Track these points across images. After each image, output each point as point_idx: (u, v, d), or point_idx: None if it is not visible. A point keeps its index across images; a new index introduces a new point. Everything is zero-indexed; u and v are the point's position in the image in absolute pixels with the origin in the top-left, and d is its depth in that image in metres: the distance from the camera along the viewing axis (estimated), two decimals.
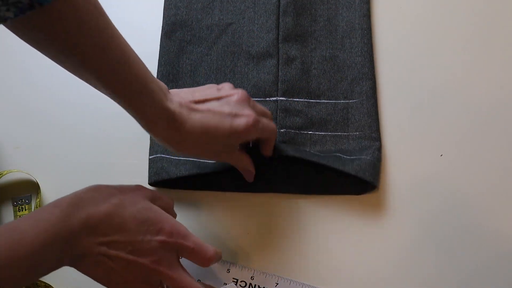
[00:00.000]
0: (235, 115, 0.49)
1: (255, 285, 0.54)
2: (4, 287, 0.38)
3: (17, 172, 0.59)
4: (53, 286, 0.54)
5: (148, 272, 0.45)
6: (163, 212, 0.47)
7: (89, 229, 0.42)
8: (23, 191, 0.58)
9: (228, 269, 0.55)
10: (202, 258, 0.47)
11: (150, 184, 0.57)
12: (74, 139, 0.61)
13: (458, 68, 0.63)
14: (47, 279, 0.55)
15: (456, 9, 0.66)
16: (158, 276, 0.45)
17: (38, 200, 0.57)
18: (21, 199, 0.57)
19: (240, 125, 0.49)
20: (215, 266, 0.55)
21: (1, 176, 0.58)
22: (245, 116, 0.49)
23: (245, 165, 0.54)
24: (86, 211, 0.42)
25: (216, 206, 0.57)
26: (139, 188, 0.48)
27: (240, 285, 0.54)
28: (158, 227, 0.45)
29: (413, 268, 0.54)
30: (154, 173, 0.57)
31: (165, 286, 0.46)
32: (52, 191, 0.58)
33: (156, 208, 0.46)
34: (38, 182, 0.58)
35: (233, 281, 0.54)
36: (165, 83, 0.51)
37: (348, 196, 0.57)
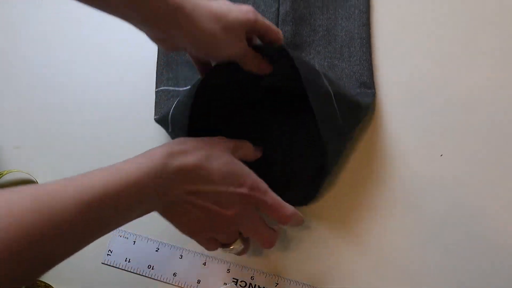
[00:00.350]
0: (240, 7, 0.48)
1: (255, 285, 0.54)
2: (106, 222, 0.41)
3: (17, 172, 0.59)
4: (53, 286, 0.54)
5: (229, 223, 0.47)
6: (245, 167, 0.48)
7: (182, 177, 0.44)
8: None
9: (228, 269, 0.55)
10: (281, 215, 0.49)
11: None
12: (74, 139, 0.61)
13: (458, 69, 0.63)
14: (47, 279, 0.55)
15: (455, 15, 0.66)
16: (238, 226, 0.48)
17: None
18: None
19: (248, 10, 0.48)
20: (215, 266, 0.55)
21: (1, 176, 0.58)
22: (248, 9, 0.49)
23: (255, 64, 0.52)
24: (178, 161, 0.44)
25: None
26: (222, 140, 0.49)
27: (240, 285, 0.54)
28: (241, 180, 0.47)
29: (413, 268, 0.54)
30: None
31: (243, 236, 0.49)
32: None
33: (238, 162, 0.48)
34: (38, 182, 0.58)
35: (233, 281, 0.54)
36: None
37: (348, 196, 0.57)
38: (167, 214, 0.47)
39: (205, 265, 0.55)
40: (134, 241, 0.56)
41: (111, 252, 0.56)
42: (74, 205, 0.38)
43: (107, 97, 0.63)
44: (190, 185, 0.45)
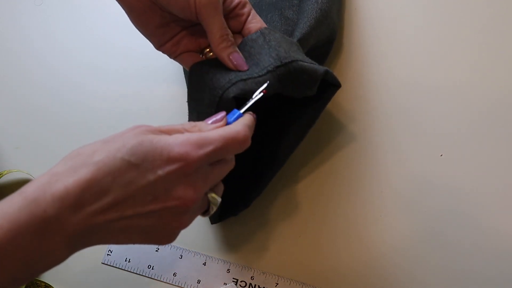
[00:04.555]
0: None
1: (255, 285, 0.54)
2: None
3: (17, 172, 0.59)
4: (53, 286, 0.54)
5: (186, 204, 0.37)
6: (162, 136, 0.36)
7: (74, 204, 0.33)
8: None
9: (228, 269, 0.55)
10: (238, 146, 0.39)
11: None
12: (74, 139, 0.61)
13: (458, 68, 0.63)
14: (46, 279, 0.55)
15: (455, 10, 0.66)
16: (199, 194, 0.37)
17: None
18: None
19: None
20: (215, 266, 0.55)
21: (1, 176, 0.58)
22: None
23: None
24: (56, 186, 0.33)
25: None
26: (132, 128, 0.37)
27: (240, 285, 0.54)
28: (164, 157, 0.35)
29: (413, 268, 0.54)
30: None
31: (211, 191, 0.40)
32: None
33: (149, 138, 0.36)
34: None
35: (233, 281, 0.54)
36: None
37: (348, 196, 0.57)
38: (100, 241, 0.36)
39: (205, 265, 0.55)
40: None
41: (111, 252, 0.56)
42: None
43: (108, 97, 0.63)
44: (98, 203, 0.33)
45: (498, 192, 0.57)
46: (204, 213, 0.41)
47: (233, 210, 0.55)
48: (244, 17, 0.48)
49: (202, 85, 0.48)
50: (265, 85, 0.44)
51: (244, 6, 0.47)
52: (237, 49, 0.46)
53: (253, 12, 0.48)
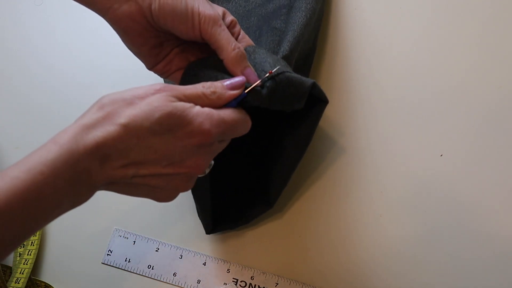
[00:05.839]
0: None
1: (255, 285, 0.54)
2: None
3: None
4: (53, 286, 0.54)
5: (194, 172, 0.41)
6: (187, 108, 0.39)
7: (103, 155, 0.36)
8: None
9: (228, 269, 0.55)
10: (243, 130, 0.43)
11: None
12: None
13: (458, 68, 0.63)
14: (47, 279, 0.55)
15: (454, 10, 0.66)
16: (206, 162, 0.42)
17: None
18: None
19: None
20: (215, 266, 0.55)
21: None
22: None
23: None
24: (91, 137, 0.36)
25: None
26: (158, 89, 0.40)
27: (240, 285, 0.54)
28: (187, 131, 0.39)
29: (413, 268, 0.54)
30: None
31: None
32: None
33: (177, 109, 0.38)
34: None
35: (233, 281, 0.54)
36: None
37: (348, 196, 0.57)
38: (114, 190, 0.40)
39: (205, 265, 0.55)
40: (134, 241, 0.56)
41: (111, 252, 0.56)
42: None
43: None
44: (121, 159, 0.37)
45: (498, 192, 0.57)
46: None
47: (233, 224, 0.56)
48: (235, 36, 0.48)
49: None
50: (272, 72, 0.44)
51: (235, 25, 0.48)
52: (249, 63, 0.46)
53: (242, 31, 0.49)
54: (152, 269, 0.55)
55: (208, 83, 0.42)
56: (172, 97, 0.39)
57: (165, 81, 0.56)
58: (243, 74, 0.45)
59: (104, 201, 0.55)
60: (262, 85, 0.44)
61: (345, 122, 0.61)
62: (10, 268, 0.54)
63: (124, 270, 0.55)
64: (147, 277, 0.55)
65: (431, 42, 0.64)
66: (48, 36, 0.67)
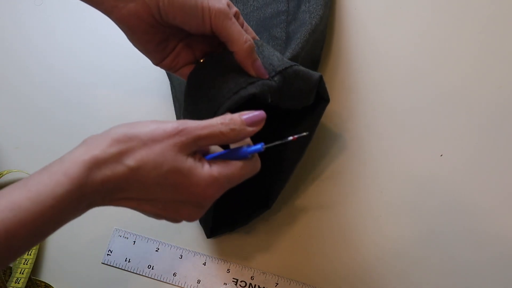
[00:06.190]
0: None
1: (255, 285, 0.54)
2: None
3: (17, 172, 0.59)
4: (53, 286, 0.54)
5: (191, 221, 0.42)
6: (195, 166, 0.39)
7: (109, 188, 0.38)
8: None
9: (228, 269, 0.55)
10: (247, 177, 0.42)
11: None
12: (74, 139, 0.61)
13: (458, 68, 0.63)
14: (46, 279, 0.55)
15: (456, 11, 0.66)
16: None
17: None
18: None
19: None
20: (215, 266, 0.55)
21: (1, 176, 0.58)
22: None
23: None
24: (102, 174, 0.37)
25: None
26: (172, 134, 0.39)
27: (240, 285, 0.54)
28: (190, 191, 0.39)
29: (413, 268, 0.54)
30: None
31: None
32: None
33: (185, 167, 0.38)
34: None
35: (233, 281, 0.54)
36: None
37: (348, 196, 0.57)
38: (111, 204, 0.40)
39: (205, 265, 0.55)
40: (134, 241, 0.56)
41: (111, 252, 0.56)
42: None
43: (108, 97, 0.63)
44: (121, 194, 0.38)
45: (498, 192, 0.57)
46: None
47: (231, 227, 0.56)
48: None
49: (201, 95, 0.47)
50: (301, 135, 0.43)
51: (239, 16, 0.48)
52: (257, 56, 0.46)
53: (245, 22, 0.49)
54: (152, 269, 0.55)
55: (228, 118, 0.40)
56: (187, 146, 0.39)
57: (169, 76, 0.56)
58: (253, 67, 0.45)
59: None
60: (271, 79, 0.44)
61: (345, 122, 0.61)
62: (10, 268, 0.54)
63: (124, 270, 0.55)
64: (147, 277, 0.55)
65: (432, 42, 0.64)
66: (48, 36, 0.67)
